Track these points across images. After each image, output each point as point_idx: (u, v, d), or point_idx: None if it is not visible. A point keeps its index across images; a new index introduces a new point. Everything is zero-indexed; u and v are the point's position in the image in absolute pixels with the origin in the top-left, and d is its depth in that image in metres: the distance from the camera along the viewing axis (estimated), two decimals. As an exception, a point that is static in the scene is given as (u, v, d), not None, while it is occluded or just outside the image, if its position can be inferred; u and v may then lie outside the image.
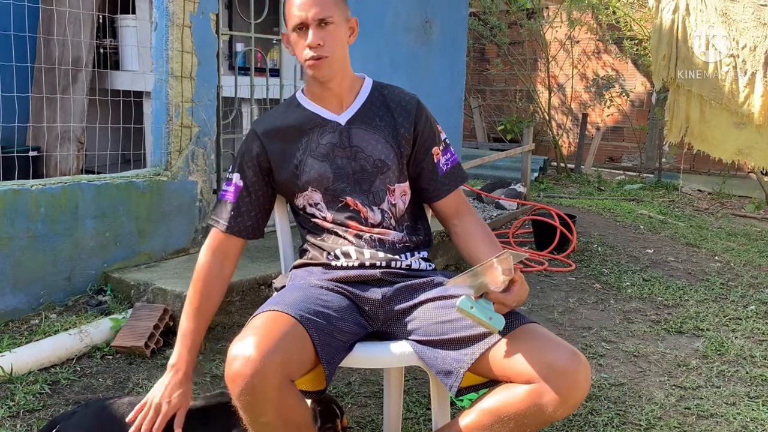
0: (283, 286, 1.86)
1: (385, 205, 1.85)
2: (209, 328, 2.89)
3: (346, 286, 1.78)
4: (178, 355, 1.81)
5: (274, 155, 1.87)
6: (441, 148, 1.92)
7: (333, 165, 1.83)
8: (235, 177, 1.89)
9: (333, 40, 1.78)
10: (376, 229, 1.84)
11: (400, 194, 1.88)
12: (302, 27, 1.77)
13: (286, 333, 1.54)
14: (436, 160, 1.90)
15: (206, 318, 1.86)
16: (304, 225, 1.92)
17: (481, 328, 1.63)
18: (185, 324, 1.83)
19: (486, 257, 1.76)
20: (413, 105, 1.90)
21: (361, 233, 1.84)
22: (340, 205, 1.84)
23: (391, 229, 1.85)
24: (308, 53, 1.77)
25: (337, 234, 1.85)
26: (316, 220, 1.87)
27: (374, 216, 1.84)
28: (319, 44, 1.75)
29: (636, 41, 8.68)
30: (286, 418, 1.54)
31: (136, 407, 1.77)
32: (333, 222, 1.85)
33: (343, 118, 1.86)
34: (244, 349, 1.49)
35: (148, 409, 1.76)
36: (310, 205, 1.87)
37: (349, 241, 1.83)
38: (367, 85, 1.92)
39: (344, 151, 1.84)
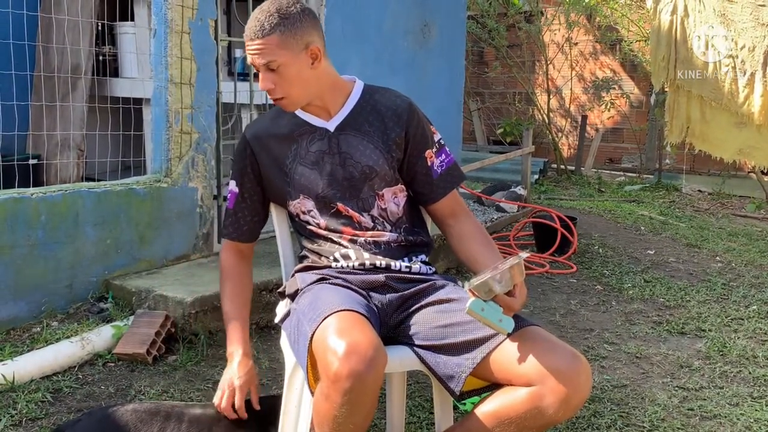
0: (296, 291, 1.85)
1: (375, 211, 1.85)
2: (211, 333, 2.91)
3: (361, 290, 1.79)
4: (231, 340, 1.87)
5: (264, 161, 1.88)
6: (434, 150, 1.90)
7: (323, 172, 1.83)
8: (232, 184, 1.94)
9: (284, 81, 1.76)
10: (370, 233, 1.84)
11: (392, 197, 1.87)
12: (257, 69, 1.78)
13: (373, 331, 1.56)
14: (429, 163, 1.89)
15: (245, 302, 1.93)
16: (301, 232, 1.92)
17: (482, 333, 1.64)
18: (228, 311, 1.90)
19: (483, 258, 1.77)
20: (404, 109, 1.88)
21: (355, 238, 1.84)
22: (332, 211, 1.85)
23: (386, 231, 1.85)
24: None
25: (332, 240, 1.85)
26: (311, 227, 1.88)
27: (366, 221, 1.85)
28: (270, 88, 1.76)
29: (634, 42, 8.69)
30: (372, 414, 1.56)
31: (217, 395, 1.84)
32: (327, 228, 1.85)
33: (332, 125, 1.86)
34: (355, 347, 1.48)
35: (222, 393, 1.81)
36: (304, 213, 1.87)
37: (344, 246, 1.84)
38: (357, 90, 1.90)
39: (333, 157, 1.84)
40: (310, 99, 1.83)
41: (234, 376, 1.82)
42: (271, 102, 1.79)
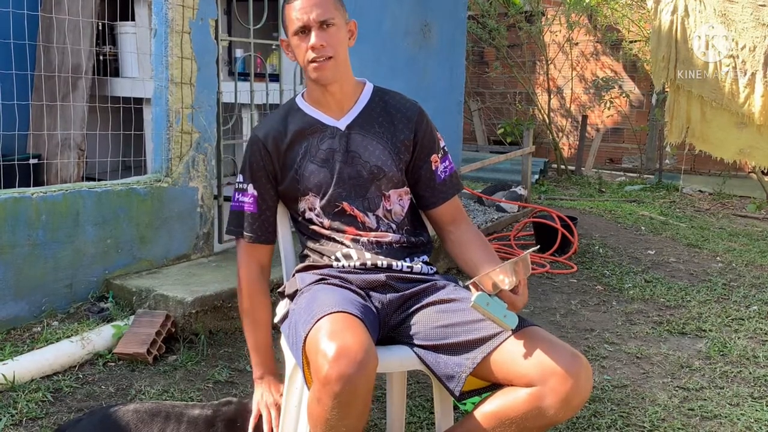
0: (295, 291, 1.85)
1: (380, 212, 1.86)
2: (211, 333, 2.91)
3: (360, 290, 1.79)
4: (258, 365, 1.93)
5: (277, 160, 1.88)
6: (440, 155, 1.92)
7: (332, 170, 1.84)
8: (250, 187, 1.90)
9: (335, 41, 1.78)
10: (373, 233, 1.85)
11: (397, 199, 1.88)
12: (304, 30, 1.77)
13: (365, 333, 1.56)
14: (434, 168, 1.91)
15: (265, 325, 1.94)
16: (303, 231, 1.92)
17: (482, 333, 1.65)
18: (250, 338, 1.94)
19: (483, 264, 1.78)
20: (414, 112, 1.90)
21: (358, 237, 1.84)
22: (336, 210, 1.85)
23: (389, 232, 1.86)
24: (311, 55, 1.77)
25: (334, 240, 1.85)
26: (314, 226, 1.88)
27: (370, 221, 1.85)
28: (322, 45, 1.76)
29: (635, 42, 8.69)
30: (365, 416, 1.56)
31: (254, 415, 1.88)
32: (330, 228, 1.86)
33: (342, 123, 1.87)
34: (345, 350, 1.48)
35: (267, 414, 1.87)
36: (310, 210, 1.87)
37: (346, 245, 1.84)
38: (368, 90, 1.92)
39: (342, 156, 1.84)
40: (342, 77, 1.83)
41: (269, 401, 1.88)
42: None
